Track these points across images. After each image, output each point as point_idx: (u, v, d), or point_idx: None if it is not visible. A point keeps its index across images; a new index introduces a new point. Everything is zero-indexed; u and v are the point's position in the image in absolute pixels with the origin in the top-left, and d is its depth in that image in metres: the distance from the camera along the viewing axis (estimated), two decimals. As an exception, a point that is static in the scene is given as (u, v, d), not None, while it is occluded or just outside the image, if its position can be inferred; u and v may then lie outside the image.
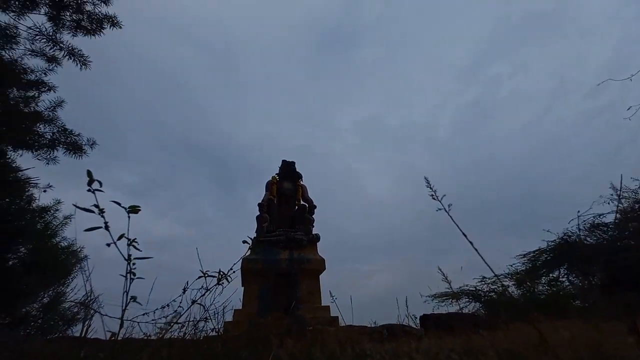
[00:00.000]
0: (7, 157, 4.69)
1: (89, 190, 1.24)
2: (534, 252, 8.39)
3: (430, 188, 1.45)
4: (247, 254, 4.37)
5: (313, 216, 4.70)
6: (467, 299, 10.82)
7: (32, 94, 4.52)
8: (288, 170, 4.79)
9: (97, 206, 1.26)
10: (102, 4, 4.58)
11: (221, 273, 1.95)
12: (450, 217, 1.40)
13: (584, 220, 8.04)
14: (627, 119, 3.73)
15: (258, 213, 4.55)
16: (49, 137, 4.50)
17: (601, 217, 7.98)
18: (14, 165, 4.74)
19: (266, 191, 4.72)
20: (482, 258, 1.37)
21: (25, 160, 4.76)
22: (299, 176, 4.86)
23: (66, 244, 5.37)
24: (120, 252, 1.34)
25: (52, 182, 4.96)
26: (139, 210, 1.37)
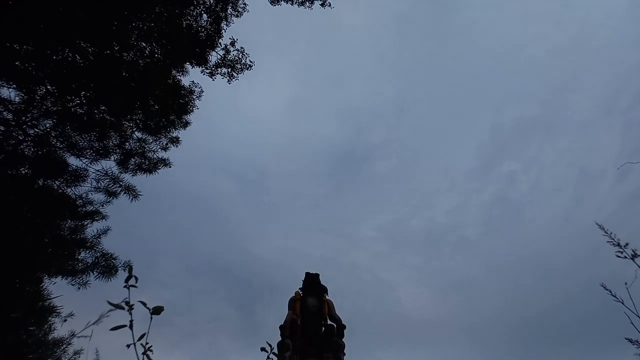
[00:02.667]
0: (41, 284, 4.86)
1: (125, 286, 1.28)
2: None
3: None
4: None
5: (343, 340, 4.11)
6: None
7: (85, 223, 5.09)
8: (312, 283, 4.54)
9: (127, 302, 1.26)
10: (162, 150, 5.72)
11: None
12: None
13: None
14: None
15: (279, 339, 4.07)
16: (90, 262, 4.76)
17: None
18: (43, 292, 4.85)
19: (289, 310, 4.35)
20: None
21: (57, 287, 4.88)
22: (325, 290, 4.55)
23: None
24: (137, 356, 1.24)
25: (72, 308, 4.89)
26: (162, 310, 1.34)
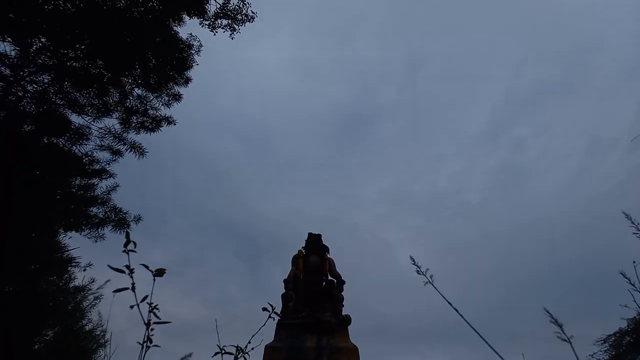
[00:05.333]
0: (57, 238, 5.13)
1: (124, 251, 1.32)
2: (614, 334, 6.81)
3: (415, 264, 1.40)
4: (270, 341, 3.98)
5: (342, 293, 4.35)
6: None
7: (94, 181, 5.21)
8: (314, 243, 4.70)
9: (128, 267, 1.31)
10: (165, 106, 5.61)
11: (239, 349, 1.78)
12: (436, 288, 1.30)
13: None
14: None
15: (283, 291, 4.33)
16: (101, 216, 4.96)
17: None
18: (61, 245, 5.14)
19: (292, 266, 4.57)
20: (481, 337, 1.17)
21: (73, 241, 5.17)
22: (326, 249, 4.73)
23: (90, 327, 5.27)
24: (142, 316, 1.32)
25: (91, 259, 5.22)
26: (164, 272, 1.40)
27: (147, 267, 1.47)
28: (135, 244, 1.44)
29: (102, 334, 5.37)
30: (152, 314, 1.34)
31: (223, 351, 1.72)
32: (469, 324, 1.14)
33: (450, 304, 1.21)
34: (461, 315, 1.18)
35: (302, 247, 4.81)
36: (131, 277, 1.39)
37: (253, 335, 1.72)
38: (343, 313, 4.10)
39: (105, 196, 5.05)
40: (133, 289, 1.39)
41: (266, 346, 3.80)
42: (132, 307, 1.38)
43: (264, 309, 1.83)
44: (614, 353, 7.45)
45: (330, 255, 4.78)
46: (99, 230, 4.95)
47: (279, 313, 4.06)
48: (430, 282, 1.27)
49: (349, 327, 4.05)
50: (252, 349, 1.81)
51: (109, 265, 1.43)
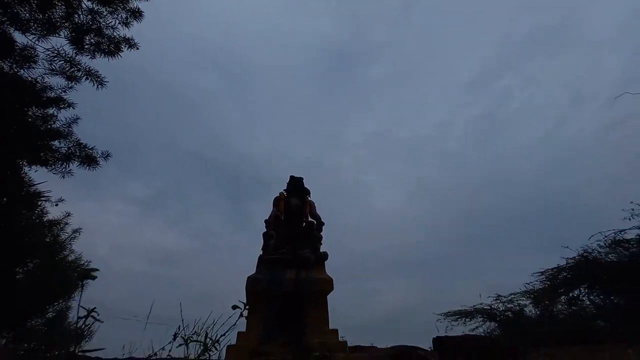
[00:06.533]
0: (22, 172, 4.80)
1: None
2: (552, 269, 8.02)
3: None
4: (252, 273, 4.26)
5: (321, 234, 4.61)
6: (481, 318, 10.32)
7: (52, 111, 4.67)
8: (296, 186, 4.75)
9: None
10: (124, 26, 4.77)
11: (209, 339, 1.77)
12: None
13: (605, 237, 7.66)
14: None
15: (265, 230, 4.50)
16: (64, 152, 4.60)
17: (622, 233, 7.60)
18: (27, 180, 4.85)
19: (273, 207, 4.67)
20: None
21: (40, 175, 4.87)
22: (307, 192, 4.81)
23: (73, 257, 5.38)
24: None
25: (64, 194, 5.04)
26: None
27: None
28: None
29: (86, 264, 5.53)
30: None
31: (189, 340, 1.74)
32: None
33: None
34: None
35: (284, 190, 4.86)
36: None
37: (224, 335, 1.72)
38: (321, 250, 4.41)
39: (66, 129, 4.60)
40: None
41: (248, 277, 4.10)
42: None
43: (235, 307, 1.80)
44: (548, 284, 8.80)
45: (311, 198, 4.90)
46: (65, 165, 4.65)
47: (263, 254, 4.23)
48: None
49: (325, 263, 4.41)
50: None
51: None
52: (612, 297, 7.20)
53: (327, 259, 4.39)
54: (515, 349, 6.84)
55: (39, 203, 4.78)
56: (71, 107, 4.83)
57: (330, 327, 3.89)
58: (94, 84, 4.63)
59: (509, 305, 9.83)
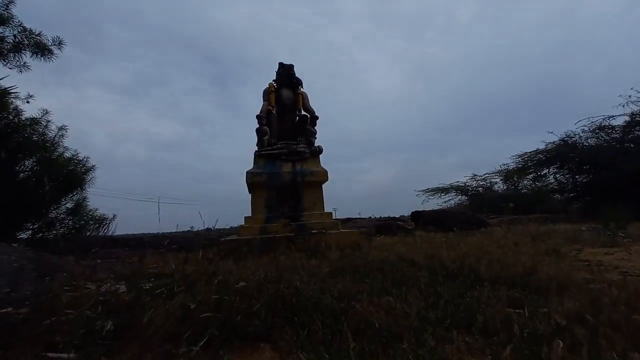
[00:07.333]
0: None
1: None
2: (530, 152, 8.61)
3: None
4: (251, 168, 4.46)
5: (315, 127, 4.58)
6: (455, 193, 11.81)
7: None
8: (287, 76, 4.37)
9: None
10: None
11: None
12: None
13: (592, 122, 7.86)
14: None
15: (257, 126, 4.42)
16: (11, 40, 3.92)
17: (611, 119, 7.78)
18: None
19: (264, 101, 4.44)
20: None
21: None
22: (299, 83, 4.48)
23: (70, 154, 5.42)
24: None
25: (35, 92, 4.61)
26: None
27: None
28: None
29: (85, 159, 5.62)
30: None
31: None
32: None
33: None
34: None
35: (273, 80, 4.49)
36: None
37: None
38: (315, 145, 4.49)
39: (4, 12, 3.76)
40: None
41: (247, 171, 4.32)
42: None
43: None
44: (522, 165, 9.52)
45: (303, 89, 4.60)
46: (17, 57, 4.04)
47: (258, 150, 4.33)
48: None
49: (320, 156, 4.57)
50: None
51: None
52: (577, 177, 8.01)
53: (321, 152, 4.53)
54: (477, 217, 8.07)
55: (10, 101, 4.40)
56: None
57: (325, 210, 4.40)
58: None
59: (482, 183, 10.93)
